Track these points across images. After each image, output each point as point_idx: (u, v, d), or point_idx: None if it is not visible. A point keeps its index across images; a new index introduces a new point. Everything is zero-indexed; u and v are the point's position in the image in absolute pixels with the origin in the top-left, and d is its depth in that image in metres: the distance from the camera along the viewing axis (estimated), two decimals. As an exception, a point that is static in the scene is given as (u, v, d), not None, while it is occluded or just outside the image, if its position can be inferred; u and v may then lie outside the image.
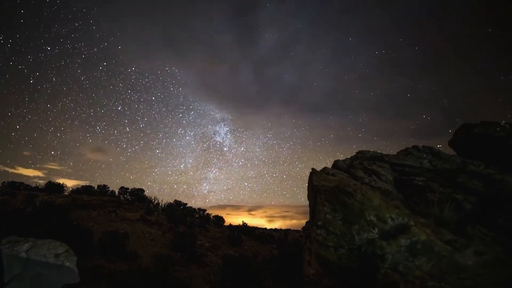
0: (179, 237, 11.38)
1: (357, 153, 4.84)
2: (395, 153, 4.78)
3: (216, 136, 57.13)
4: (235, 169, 58.65)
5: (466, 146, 4.48)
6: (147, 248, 10.78)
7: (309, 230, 2.79)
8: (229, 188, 58.19)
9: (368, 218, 1.98)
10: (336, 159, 4.65)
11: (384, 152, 4.80)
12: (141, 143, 54.31)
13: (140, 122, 52.77)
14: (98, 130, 49.77)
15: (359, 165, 3.99)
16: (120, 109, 50.06)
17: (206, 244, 13.23)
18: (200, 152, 58.58)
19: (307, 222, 3.68)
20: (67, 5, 42.34)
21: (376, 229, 1.94)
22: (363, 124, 44.67)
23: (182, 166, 55.93)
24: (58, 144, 44.53)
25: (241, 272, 8.55)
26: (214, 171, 57.97)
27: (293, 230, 31.64)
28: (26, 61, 40.55)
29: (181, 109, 55.66)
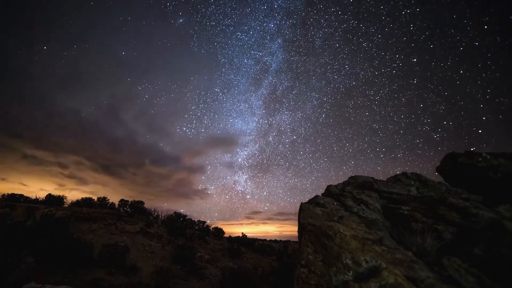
0: (179, 250, 11.49)
1: (349, 178, 5.08)
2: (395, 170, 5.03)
3: (237, 185, 55.56)
4: (262, 215, 56.49)
5: (452, 174, 4.72)
6: (147, 260, 10.89)
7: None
8: (260, 231, 56.73)
9: (344, 262, 2.21)
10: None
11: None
12: (165, 205, 54.22)
13: (161, 183, 52.83)
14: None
15: (349, 194, 4.24)
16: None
17: (206, 257, 13.30)
18: (224, 204, 56.84)
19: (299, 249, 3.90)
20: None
21: (351, 272, 2.17)
22: (381, 142, 43.78)
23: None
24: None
25: (241, 285, 8.64)
26: (241, 221, 56.27)
27: (293, 242, 31.46)
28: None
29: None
